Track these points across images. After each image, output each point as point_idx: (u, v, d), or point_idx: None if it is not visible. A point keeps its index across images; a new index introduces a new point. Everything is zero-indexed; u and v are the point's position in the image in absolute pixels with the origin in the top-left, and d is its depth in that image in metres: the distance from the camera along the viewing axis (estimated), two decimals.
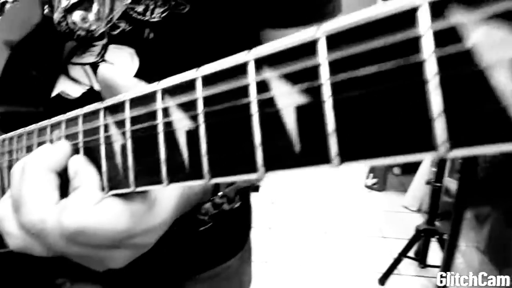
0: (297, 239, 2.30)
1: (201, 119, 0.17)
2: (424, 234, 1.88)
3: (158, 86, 0.19)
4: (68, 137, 0.25)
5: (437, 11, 0.11)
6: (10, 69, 0.38)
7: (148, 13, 0.38)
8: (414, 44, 0.11)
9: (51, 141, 0.26)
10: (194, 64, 0.42)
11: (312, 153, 0.14)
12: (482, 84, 0.10)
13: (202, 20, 0.39)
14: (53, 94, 0.40)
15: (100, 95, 0.40)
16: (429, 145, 0.11)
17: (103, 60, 0.40)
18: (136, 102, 0.20)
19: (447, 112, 0.11)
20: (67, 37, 0.37)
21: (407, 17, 0.12)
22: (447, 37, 0.11)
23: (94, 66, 0.40)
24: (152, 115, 0.19)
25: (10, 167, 0.31)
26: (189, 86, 0.18)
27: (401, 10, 0.12)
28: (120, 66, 0.40)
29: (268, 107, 0.15)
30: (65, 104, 0.40)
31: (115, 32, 0.38)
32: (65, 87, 0.40)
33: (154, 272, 0.49)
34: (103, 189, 0.22)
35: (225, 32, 0.42)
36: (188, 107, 0.18)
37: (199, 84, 0.18)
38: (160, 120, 0.19)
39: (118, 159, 0.21)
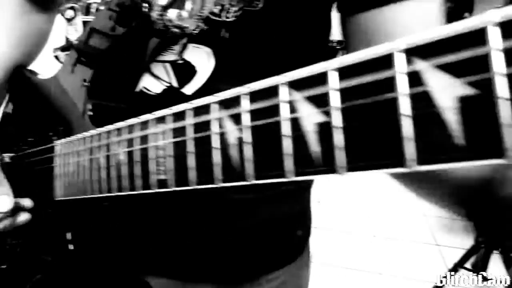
0: (344, 241, 2.25)
1: (336, 112, 0.16)
2: (485, 245, 1.77)
3: (283, 79, 0.18)
4: (175, 131, 0.25)
5: None
6: (105, 63, 0.39)
7: (224, 13, 0.38)
8: None
9: (156, 134, 0.27)
10: (269, 61, 0.42)
11: (480, 147, 0.13)
12: None
13: (276, 16, 0.38)
14: (137, 89, 0.42)
15: (178, 92, 0.41)
16: None
17: (183, 59, 0.41)
18: (255, 95, 0.20)
19: None
20: (162, 34, 0.38)
21: None
22: None
23: (174, 64, 0.41)
24: (276, 109, 0.18)
25: (108, 160, 0.32)
26: (320, 79, 0.17)
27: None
28: (196, 65, 0.40)
29: (423, 101, 0.14)
30: (146, 99, 0.41)
31: (196, 32, 0.39)
32: (147, 83, 0.41)
33: (220, 265, 0.49)
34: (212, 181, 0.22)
35: (299, 26, 0.41)
36: (320, 101, 0.17)
37: (333, 77, 0.17)
38: (286, 113, 0.18)
39: (234, 152, 0.21)
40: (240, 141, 0.20)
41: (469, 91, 0.13)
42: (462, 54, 0.13)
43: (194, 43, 0.40)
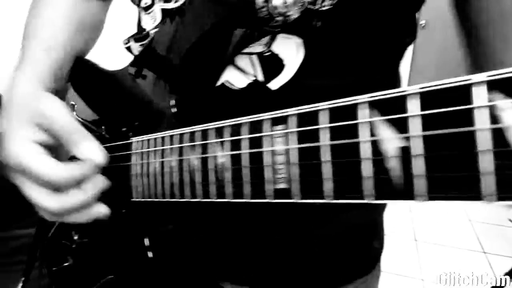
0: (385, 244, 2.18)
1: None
2: None
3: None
4: (301, 134, 0.22)
5: None
6: (191, 54, 0.36)
7: (318, 2, 0.34)
8: None
9: (272, 137, 0.23)
10: (358, 53, 0.38)
11: None
12: None
13: (372, 5, 0.35)
14: (218, 83, 0.39)
15: (264, 87, 0.38)
16: None
17: (270, 51, 0.37)
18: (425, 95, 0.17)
19: None
20: (266, 22, 0.35)
21: None
22: None
23: (261, 56, 0.38)
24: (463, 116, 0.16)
25: (204, 163, 0.29)
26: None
27: None
28: (284, 57, 0.37)
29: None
30: (228, 94, 0.38)
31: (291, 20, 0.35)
32: (230, 76, 0.38)
33: (304, 276, 0.46)
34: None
35: (389, 17, 0.38)
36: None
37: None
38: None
39: (395, 164, 0.18)
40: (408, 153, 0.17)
41: None
42: None
43: (283, 33, 0.36)
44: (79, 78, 0.48)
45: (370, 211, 0.49)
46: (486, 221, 2.42)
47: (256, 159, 0.24)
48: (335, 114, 0.20)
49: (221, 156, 0.27)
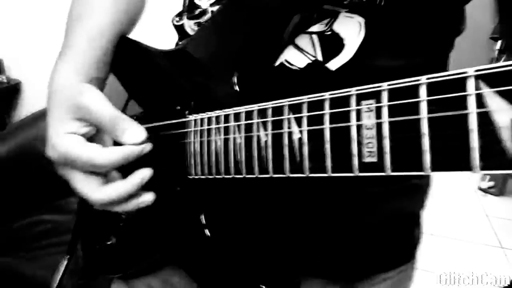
0: None
1: None
2: None
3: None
4: (392, 108, 0.22)
5: None
6: (250, 34, 0.36)
7: None
8: None
9: (358, 114, 0.23)
10: (417, 35, 0.38)
11: None
12: None
13: None
14: (277, 63, 0.39)
15: (323, 67, 0.37)
16: None
17: (331, 30, 0.37)
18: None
19: None
20: (335, 1, 0.35)
21: None
22: None
23: (322, 35, 0.37)
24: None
25: (275, 141, 0.29)
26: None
27: None
28: (345, 37, 0.37)
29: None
30: (287, 74, 0.38)
31: None
32: (290, 56, 0.38)
33: (340, 261, 0.46)
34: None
35: (446, 4, 0.38)
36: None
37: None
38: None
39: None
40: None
41: None
42: None
43: (346, 12, 0.36)
44: (122, 59, 0.48)
45: (414, 203, 0.49)
46: (503, 216, 2.40)
47: (340, 134, 0.24)
48: (435, 88, 0.20)
49: (298, 131, 0.27)
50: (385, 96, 0.22)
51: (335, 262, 0.46)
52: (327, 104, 0.25)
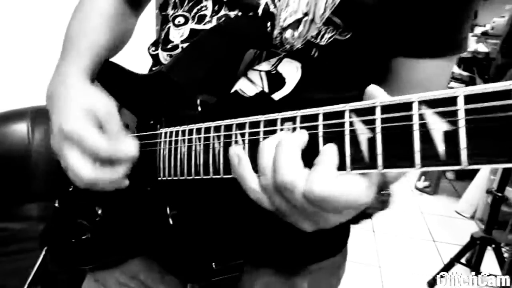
0: None
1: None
2: (480, 242, 1.88)
3: (414, 97, 0.26)
4: (303, 128, 0.33)
5: None
6: (209, 65, 0.47)
7: (319, 37, 0.46)
8: None
9: (281, 129, 0.34)
10: (343, 76, 0.50)
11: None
12: None
13: (357, 46, 0.48)
14: (232, 90, 0.49)
15: (268, 97, 0.48)
16: None
17: (275, 70, 0.48)
18: (387, 108, 0.28)
19: None
20: (276, 48, 0.46)
21: None
22: None
23: (268, 73, 0.49)
24: (406, 118, 0.27)
25: (225, 149, 0.39)
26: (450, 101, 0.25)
27: None
28: (286, 76, 0.48)
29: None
30: (240, 100, 0.49)
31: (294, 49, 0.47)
32: (243, 85, 0.49)
33: (285, 251, 0.57)
34: (341, 168, 0.30)
35: (369, 56, 0.51)
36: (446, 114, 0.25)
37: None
38: (416, 121, 0.26)
39: (364, 147, 0.29)
40: (371, 140, 0.28)
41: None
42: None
43: (288, 57, 0.48)
44: (109, 78, 0.57)
45: None
46: (436, 213, 2.66)
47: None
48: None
49: (241, 142, 0.38)
50: (320, 118, 0.33)
51: (277, 253, 0.57)
52: (262, 124, 0.36)
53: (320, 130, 0.32)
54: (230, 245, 0.51)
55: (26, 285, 0.70)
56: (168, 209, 0.49)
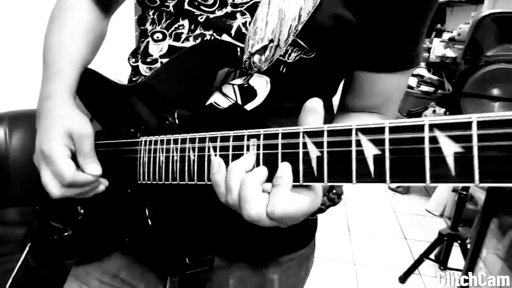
0: (320, 234, 2.43)
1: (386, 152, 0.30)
2: (447, 238, 1.99)
3: (353, 125, 0.32)
4: (265, 146, 0.38)
5: None
6: (184, 80, 0.52)
7: (287, 55, 0.52)
8: None
9: (248, 147, 0.39)
10: (307, 88, 0.56)
11: (464, 176, 0.27)
12: None
13: (321, 63, 0.54)
14: (207, 103, 0.54)
15: (241, 108, 0.53)
16: None
17: (247, 83, 0.54)
18: (332, 132, 0.34)
19: None
20: (245, 69, 0.51)
21: None
22: None
23: (241, 87, 0.54)
24: (346, 143, 0.33)
25: (199, 159, 0.44)
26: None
27: None
28: (257, 89, 0.54)
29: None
30: (215, 111, 0.54)
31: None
32: (217, 99, 0.54)
33: (255, 246, 0.62)
34: (295, 180, 0.36)
35: (333, 71, 0.58)
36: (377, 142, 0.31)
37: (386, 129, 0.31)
38: (353, 147, 0.32)
39: (314, 164, 0.35)
40: (320, 158, 0.34)
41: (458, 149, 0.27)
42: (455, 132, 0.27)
43: (258, 73, 0.53)
44: (86, 87, 0.61)
45: None
46: (407, 212, 2.78)
47: (237, 156, 0.40)
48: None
49: (213, 154, 0.43)
50: (280, 137, 0.38)
51: (248, 248, 0.62)
52: (231, 139, 0.42)
53: (279, 150, 0.38)
54: (202, 242, 0.56)
55: (8, 283, 0.73)
56: (146, 210, 0.54)
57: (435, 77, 3.15)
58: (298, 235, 0.68)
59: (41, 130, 0.54)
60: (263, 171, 0.38)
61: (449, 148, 0.28)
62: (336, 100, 0.65)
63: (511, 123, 0.26)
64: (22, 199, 1.65)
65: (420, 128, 0.29)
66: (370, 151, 0.31)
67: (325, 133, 0.35)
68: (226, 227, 0.58)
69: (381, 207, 2.86)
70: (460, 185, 0.29)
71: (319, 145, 0.35)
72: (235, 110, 0.52)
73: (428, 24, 0.56)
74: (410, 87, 3.39)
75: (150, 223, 0.53)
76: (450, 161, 0.28)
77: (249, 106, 0.53)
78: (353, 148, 0.32)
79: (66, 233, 0.64)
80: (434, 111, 2.93)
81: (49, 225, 0.66)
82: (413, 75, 3.50)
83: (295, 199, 0.37)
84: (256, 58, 0.50)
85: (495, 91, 1.55)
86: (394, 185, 3.02)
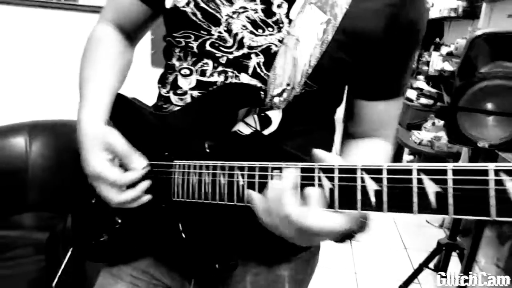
0: (322, 244, 2.49)
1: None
2: (446, 248, 2.05)
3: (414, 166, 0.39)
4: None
5: None
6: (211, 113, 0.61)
7: (297, 89, 0.61)
8: None
9: (272, 177, 0.48)
10: (315, 116, 0.65)
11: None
12: None
13: (323, 93, 0.64)
14: (232, 130, 0.62)
15: (260, 133, 0.62)
16: None
17: (265, 113, 0.62)
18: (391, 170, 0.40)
19: None
20: (265, 108, 0.60)
21: None
22: None
23: (260, 116, 0.62)
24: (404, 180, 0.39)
25: (229, 184, 0.53)
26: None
27: None
28: (272, 117, 0.62)
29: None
30: (238, 138, 0.62)
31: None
32: (241, 127, 0.62)
33: (270, 248, 0.70)
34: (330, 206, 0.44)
35: (332, 98, 0.69)
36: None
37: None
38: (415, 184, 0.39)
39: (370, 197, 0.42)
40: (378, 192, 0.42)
41: None
42: None
43: (277, 109, 0.62)
44: (119, 113, 0.70)
45: None
46: (407, 222, 2.85)
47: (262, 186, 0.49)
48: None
49: (242, 181, 0.51)
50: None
51: (265, 249, 0.70)
52: (257, 169, 0.50)
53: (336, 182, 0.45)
54: (228, 249, 0.65)
55: (54, 282, 0.82)
56: (180, 224, 0.62)
57: (434, 90, 3.24)
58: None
59: (83, 156, 0.63)
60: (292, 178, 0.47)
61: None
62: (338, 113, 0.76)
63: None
64: (39, 205, 1.74)
65: (484, 172, 0.35)
66: (431, 188, 0.38)
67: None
68: (246, 234, 0.66)
69: (382, 217, 2.92)
70: None
71: (379, 180, 0.41)
72: (255, 135, 0.61)
73: (414, 58, 0.66)
74: (409, 99, 3.49)
75: (184, 236, 0.62)
76: None
77: (266, 132, 0.62)
78: (414, 185, 0.39)
79: (102, 238, 0.73)
80: (433, 123, 3.01)
81: (88, 232, 0.75)
82: (413, 88, 3.60)
83: (325, 216, 0.44)
84: (276, 99, 0.59)
85: (489, 106, 1.61)
86: None
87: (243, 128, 0.63)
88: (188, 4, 0.62)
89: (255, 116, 0.62)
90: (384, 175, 0.40)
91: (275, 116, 0.62)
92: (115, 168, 0.61)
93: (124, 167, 0.62)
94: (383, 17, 0.58)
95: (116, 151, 0.61)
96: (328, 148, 0.74)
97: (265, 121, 0.62)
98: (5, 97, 1.95)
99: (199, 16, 0.62)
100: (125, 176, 0.60)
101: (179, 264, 0.66)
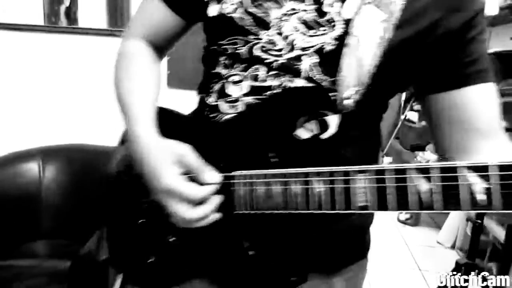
0: None
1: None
2: (465, 268, 2.02)
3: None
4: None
5: None
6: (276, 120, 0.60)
7: (354, 95, 0.60)
8: None
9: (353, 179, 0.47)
10: (367, 120, 0.68)
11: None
12: None
13: (381, 95, 0.66)
14: (293, 133, 0.61)
15: (318, 137, 0.61)
16: None
17: (323, 119, 0.61)
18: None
19: None
20: (336, 111, 0.60)
21: None
22: None
23: (318, 122, 0.61)
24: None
25: (305, 190, 0.52)
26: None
27: None
28: (329, 121, 0.62)
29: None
30: (295, 141, 0.60)
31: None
32: (300, 132, 0.60)
33: (325, 260, 0.68)
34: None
35: (386, 104, 0.70)
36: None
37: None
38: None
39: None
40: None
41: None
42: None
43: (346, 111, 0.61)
44: (166, 124, 0.68)
45: (364, 220, 0.74)
46: (418, 243, 2.82)
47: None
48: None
49: (317, 188, 0.50)
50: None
51: (320, 261, 0.68)
52: (327, 175, 0.49)
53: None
54: (300, 259, 0.62)
55: None
56: (244, 242, 0.60)
57: None
58: (356, 248, 0.75)
59: (150, 172, 0.60)
60: None
61: None
62: None
63: None
64: (52, 232, 1.68)
65: None
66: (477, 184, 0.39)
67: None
68: (309, 242, 0.64)
69: (393, 239, 2.89)
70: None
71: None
72: (314, 139, 0.60)
73: (485, 42, 0.62)
74: (411, 121, 3.52)
75: (251, 253, 0.59)
76: None
77: (324, 135, 0.61)
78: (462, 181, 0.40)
79: (149, 260, 0.69)
80: None
81: (133, 255, 0.72)
82: (414, 110, 3.64)
83: None
84: (346, 102, 0.58)
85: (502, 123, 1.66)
86: (403, 217, 3.08)
87: (303, 133, 0.61)
88: (235, 10, 0.62)
89: (313, 120, 0.62)
90: None
91: (332, 121, 0.61)
92: (191, 182, 0.58)
93: (195, 180, 0.59)
94: (443, 8, 0.57)
95: (188, 164, 0.58)
96: (377, 155, 0.73)
97: (323, 125, 0.61)
98: (17, 123, 1.94)
99: (248, 21, 0.62)
100: (201, 191, 0.57)
101: (241, 283, 0.63)
